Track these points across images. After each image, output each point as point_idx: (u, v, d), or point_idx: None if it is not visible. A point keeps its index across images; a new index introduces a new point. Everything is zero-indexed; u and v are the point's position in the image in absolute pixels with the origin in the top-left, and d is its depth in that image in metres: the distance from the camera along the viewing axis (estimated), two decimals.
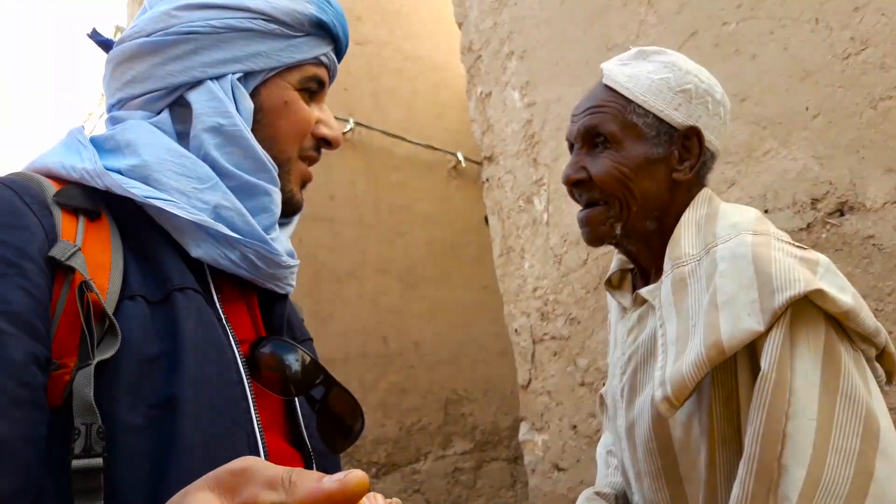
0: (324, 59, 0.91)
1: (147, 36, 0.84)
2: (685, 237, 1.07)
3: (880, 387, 1.00)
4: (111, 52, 0.88)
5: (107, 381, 0.65)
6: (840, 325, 0.93)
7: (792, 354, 0.90)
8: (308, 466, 0.83)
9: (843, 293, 0.92)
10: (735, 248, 0.98)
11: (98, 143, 0.83)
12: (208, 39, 0.84)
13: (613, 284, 1.27)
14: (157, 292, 0.74)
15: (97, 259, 0.72)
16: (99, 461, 0.62)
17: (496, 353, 4.61)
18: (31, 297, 0.64)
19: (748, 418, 0.92)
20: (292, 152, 0.90)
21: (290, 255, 0.89)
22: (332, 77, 0.96)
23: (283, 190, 0.88)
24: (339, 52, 0.95)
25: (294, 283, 0.92)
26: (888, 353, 0.98)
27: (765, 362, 0.90)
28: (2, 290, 0.63)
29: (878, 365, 0.99)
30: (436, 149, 4.85)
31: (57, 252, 0.68)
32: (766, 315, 0.91)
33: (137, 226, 0.78)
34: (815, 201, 1.69)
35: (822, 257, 0.97)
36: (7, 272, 0.64)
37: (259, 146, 0.84)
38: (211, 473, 0.42)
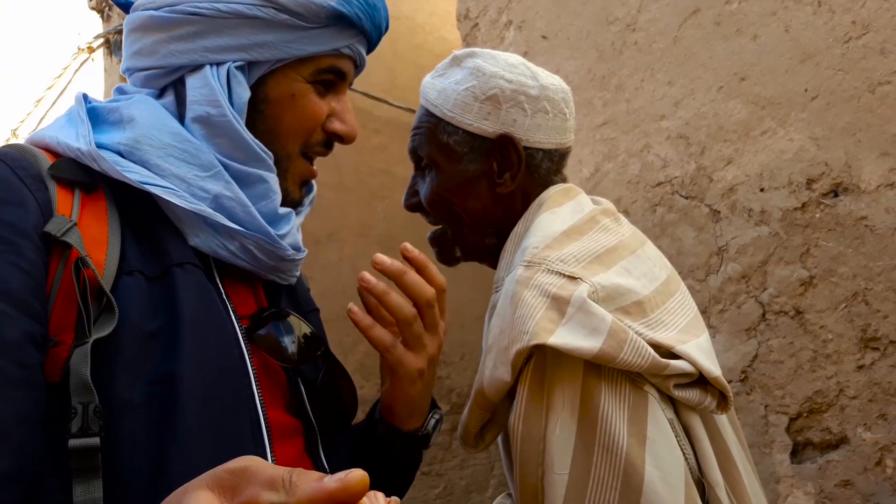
0: (346, 50, 0.87)
1: (156, 10, 0.82)
2: (504, 257, 1.01)
3: (714, 415, 0.92)
4: (128, 16, 0.86)
5: (105, 358, 0.64)
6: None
7: (547, 405, 0.84)
8: (310, 439, 0.84)
9: (592, 336, 0.81)
10: (508, 284, 0.91)
11: (100, 114, 0.81)
12: (212, 23, 0.81)
13: None
14: (155, 267, 0.73)
15: (94, 234, 0.70)
16: (96, 440, 0.61)
17: (473, 318, 4.66)
18: (26, 274, 0.63)
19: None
20: (293, 148, 0.87)
21: (296, 248, 0.87)
22: (359, 67, 0.92)
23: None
24: (371, 41, 0.91)
25: (297, 273, 0.91)
26: (711, 377, 0.88)
27: (511, 415, 0.86)
28: None
29: (699, 392, 0.89)
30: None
31: (52, 228, 0.66)
32: (508, 366, 0.86)
33: (135, 199, 0.76)
34: (810, 182, 1.74)
35: (580, 291, 0.85)
36: (1, 249, 0.63)
37: (249, 136, 0.81)
38: (210, 472, 0.42)
